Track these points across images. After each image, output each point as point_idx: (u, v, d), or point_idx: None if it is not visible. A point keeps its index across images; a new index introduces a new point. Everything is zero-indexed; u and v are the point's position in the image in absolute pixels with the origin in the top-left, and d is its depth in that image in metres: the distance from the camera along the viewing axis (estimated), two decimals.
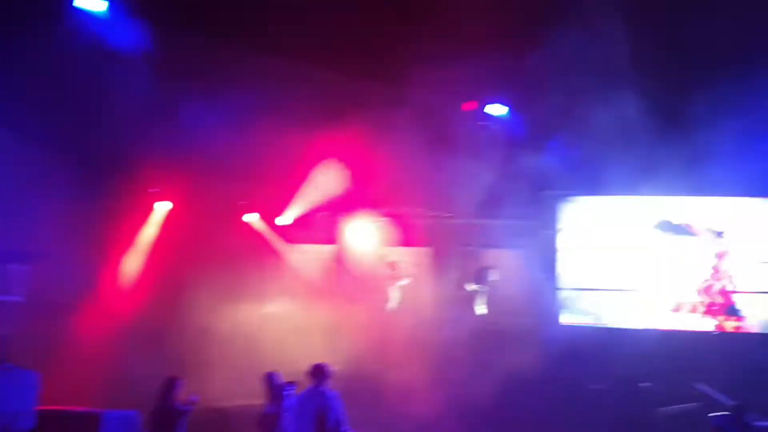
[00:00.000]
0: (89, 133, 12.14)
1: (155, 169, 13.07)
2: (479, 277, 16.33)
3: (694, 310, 15.14)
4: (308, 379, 10.06)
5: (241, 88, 11.92)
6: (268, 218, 16.12)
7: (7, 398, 9.72)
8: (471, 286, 16.28)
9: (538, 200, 15.83)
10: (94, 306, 13.32)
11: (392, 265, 16.53)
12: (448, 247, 16.58)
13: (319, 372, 9.33)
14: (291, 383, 11.61)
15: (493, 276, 16.21)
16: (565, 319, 15.62)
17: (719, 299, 15.09)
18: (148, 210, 14.54)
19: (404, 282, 16.49)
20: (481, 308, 16.17)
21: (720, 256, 15.17)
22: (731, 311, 15.02)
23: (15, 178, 11.16)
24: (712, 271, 15.20)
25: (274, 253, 16.27)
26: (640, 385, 14.22)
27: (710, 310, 15.08)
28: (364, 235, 16.58)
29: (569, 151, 15.15)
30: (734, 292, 15.04)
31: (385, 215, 16.52)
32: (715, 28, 11.69)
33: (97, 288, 13.28)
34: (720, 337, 14.91)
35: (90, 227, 12.61)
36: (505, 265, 16.24)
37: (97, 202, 12.89)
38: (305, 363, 13.83)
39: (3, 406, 9.64)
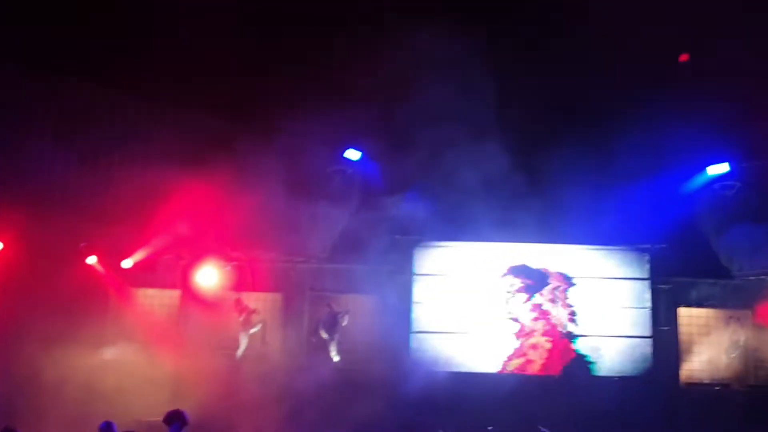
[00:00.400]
0: None
1: None
2: (331, 323, 16.10)
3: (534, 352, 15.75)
4: (164, 426, 9.41)
5: (92, 127, 11.29)
6: (112, 260, 15.37)
7: None
8: (323, 334, 16.05)
9: (394, 246, 15.90)
10: None
11: (241, 307, 16.04)
12: (301, 292, 16.35)
13: (175, 418, 8.66)
14: None
15: (344, 322, 16.02)
16: (418, 363, 15.64)
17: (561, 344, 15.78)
18: None
19: (254, 329, 16.09)
20: (334, 355, 15.97)
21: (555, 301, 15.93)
22: (572, 355, 15.73)
23: None
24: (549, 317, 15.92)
25: (115, 296, 15.56)
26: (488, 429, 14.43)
27: (552, 355, 15.72)
28: (212, 280, 16.05)
29: (427, 199, 15.47)
30: (576, 336, 15.78)
31: (234, 259, 16.13)
32: (575, 88, 12.40)
33: None
34: (563, 379, 15.52)
35: None
36: (360, 310, 16.14)
37: None
38: (146, 412, 13.30)
39: None
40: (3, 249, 13.63)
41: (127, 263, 15.47)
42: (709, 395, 15.36)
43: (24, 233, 13.20)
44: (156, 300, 16.27)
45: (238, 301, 16.07)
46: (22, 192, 12.10)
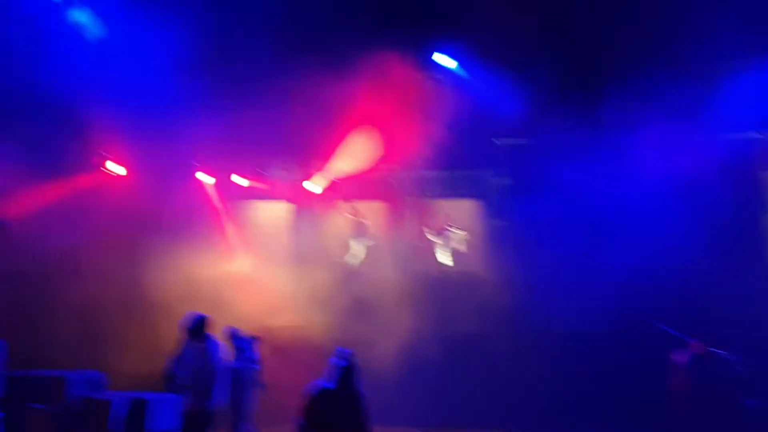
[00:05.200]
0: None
1: (106, 133, 13.59)
2: (440, 228, 17.03)
3: None
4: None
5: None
6: (224, 176, 16.78)
7: None
8: (432, 237, 16.99)
9: (492, 149, 16.52)
10: (56, 273, 13.91)
11: (356, 213, 17.17)
12: (403, 199, 17.32)
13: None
14: (252, 338, 12.47)
15: (454, 229, 16.94)
16: None
17: None
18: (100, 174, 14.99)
19: (368, 240, 17.19)
20: (444, 259, 16.92)
21: None
22: None
23: None
24: None
25: (228, 211, 17.01)
26: None
27: None
28: (320, 191, 17.22)
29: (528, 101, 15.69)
30: None
31: (340, 171, 17.17)
32: None
33: (57, 255, 13.79)
34: None
35: (42, 194, 13.12)
36: (462, 214, 17.04)
37: (49, 167, 13.38)
38: (266, 319, 14.84)
39: None
40: (126, 175, 15.19)
41: (238, 179, 16.88)
42: None
43: (142, 158, 14.67)
44: (268, 212, 17.63)
45: (355, 210, 17.20)
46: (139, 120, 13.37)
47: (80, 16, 12.98)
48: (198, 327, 9.33)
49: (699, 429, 11.50)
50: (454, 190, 17.21)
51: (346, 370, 6.80)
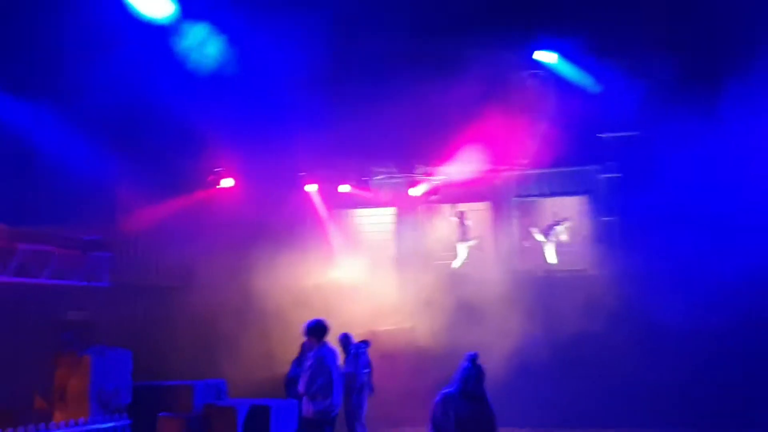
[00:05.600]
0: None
1: (220, 146, 14.15)
2: (548, 227, 16.97)
3: None
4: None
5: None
6: (328, 187, 17.18)
7: (104, 376, 10.86)
8: (538, 236, 16.97)
9: (597, 144, 16.29)
10: (175, 285, 14.56)
11: (462, 219, 17.29)
12: (507, 199, 17.29)
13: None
14: (363, 342, 12.73)
15: (564, 226, 16.84)
16: None
17: None
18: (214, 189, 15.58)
19: (472, 241, 17.28)
20: (551, 258, 16.86)
21: None
22: None
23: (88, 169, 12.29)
24: None
25: (333, 220, 17.40)
26: None
27: None
28: (424, 195, 17.42)
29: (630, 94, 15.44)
30: None
31: (442, 173, 17.32)
32: None
33: (176, 268, 14.45)
34: None
35: (161, 209, 13.75)
36: (569, 212, 16.92)
37: (167, 183, 14.01)
38: (372, 324, 15.09)
39: (101, 384, 10.79)
40: (235, 186, 15.74)
41: (344, 188, 17.24)
42: None
43: (250, 169, 15.17)
44: (373, 219, 18.05)
45: (461, 214, 17.34)
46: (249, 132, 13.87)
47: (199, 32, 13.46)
48: (317, 331, 9.58)
49: None
50: (561, 187, 17.07)
51: (474, 374, 6.84)
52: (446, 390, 6.90)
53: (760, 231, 13.94)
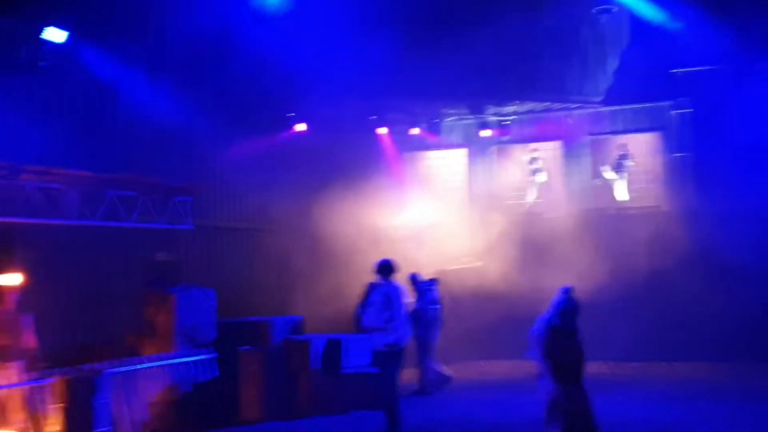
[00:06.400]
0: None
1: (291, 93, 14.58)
2: (618, 163, 16.95)
3: None
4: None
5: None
6: (400, 129, 17.52)
7: (189, 314, 11.60)
8: (608, 174, 16.99)
9: (669, 80, 16.12)
10: (254, 227, 15.27)
11: (532, 158, 17.48)
12: (579, 137, 17.32)
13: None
14: (432, 280, 13.19)
15: (631, 162, 16.83)
16: None
17: None
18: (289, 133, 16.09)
19: (542, 179, 17.46)
20: (622, 194, 16.88)
21: None
22: None
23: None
24: None
25: (404, 162, 17.84)
26: None
27: None
28: (494, 134, 17.60)
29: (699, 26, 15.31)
30: None
31: (516, 113, 17.48)
32: None
33: (254, 211, 15.10)
34: None
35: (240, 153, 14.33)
36: (639, 149, 16.88)
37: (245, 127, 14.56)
38: (444, 264, 15.50)
39: (186, 321, 11.51)
40: (306, 130, 16.14)
41: (415, 130, 17.59)
42: None
43: (322, 113, 15.54)
44: (444, 160, 18.36)
45: (530, 151, 17.52)
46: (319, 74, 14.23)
47: None
48: (385, 269, 10.04)
49: None
50: (632, 124, 17.02)
51: (570, 306, 7.03)
52: (545, 319, 7.12)
53: None
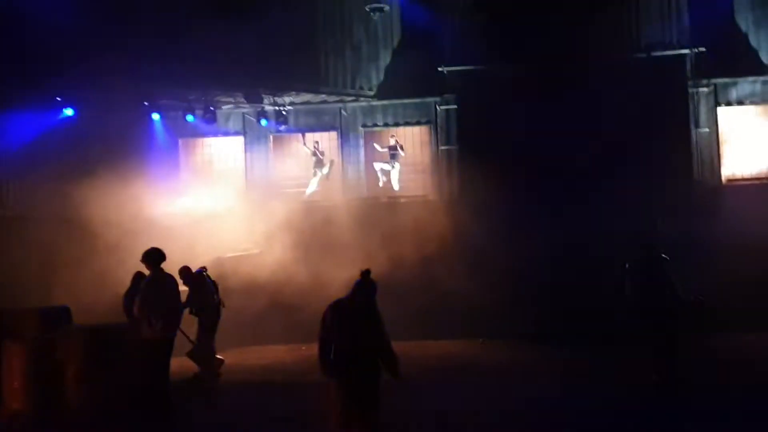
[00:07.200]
0: None
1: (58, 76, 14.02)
2: (391, 154, 17.66)
3: None
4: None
5: None
6: (175, 116, 17.31)
7: None
8: (384, 165, 17.73)
9: (437, 77, 17.20)
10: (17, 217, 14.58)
11: (316, 148, 17.82)
12: (354, 129, 18.15)
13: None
14: (202, 268, 13.16)
15: (402, 153, 17.66)
16: None
17: None
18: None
19: (326, 169, 17.87)
20: (394, 184, 17.66)
21: None
22: None
23: None
24: None
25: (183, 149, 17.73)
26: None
27: None
28: (272, 124, 17.88)
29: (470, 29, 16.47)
30: None
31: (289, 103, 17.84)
32: None
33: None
34: None
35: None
36: (410, 141, 17.89)
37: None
38: (221, 252, 15.56)
39: None
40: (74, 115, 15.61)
41: (190, 117, 17.32)
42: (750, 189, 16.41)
43: (93, 98, 15.07)
44: (221, 148, 18.48)
45: (315, 143, 17.81)
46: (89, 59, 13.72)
47: None
48: (152, 257, 10.07)
49: None
50: (402, 118, 18.06)
51: (361, 285, 7.37)
52: (339, 299, 7.49)
53: None
